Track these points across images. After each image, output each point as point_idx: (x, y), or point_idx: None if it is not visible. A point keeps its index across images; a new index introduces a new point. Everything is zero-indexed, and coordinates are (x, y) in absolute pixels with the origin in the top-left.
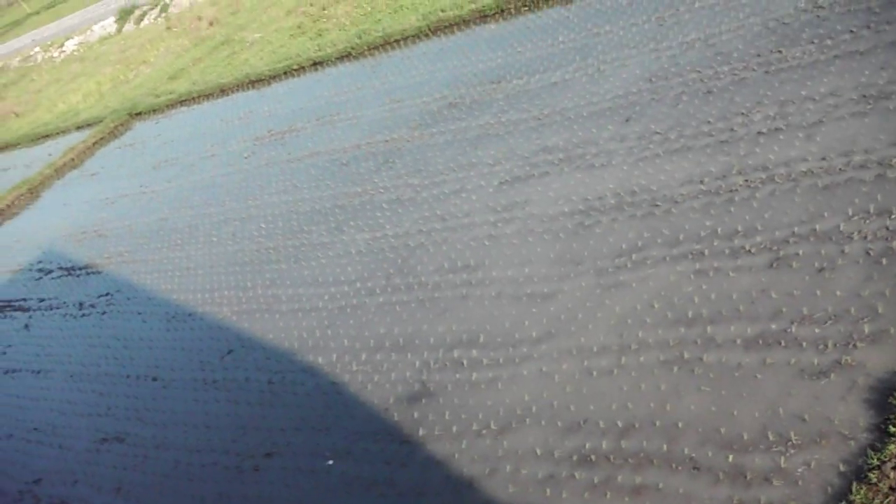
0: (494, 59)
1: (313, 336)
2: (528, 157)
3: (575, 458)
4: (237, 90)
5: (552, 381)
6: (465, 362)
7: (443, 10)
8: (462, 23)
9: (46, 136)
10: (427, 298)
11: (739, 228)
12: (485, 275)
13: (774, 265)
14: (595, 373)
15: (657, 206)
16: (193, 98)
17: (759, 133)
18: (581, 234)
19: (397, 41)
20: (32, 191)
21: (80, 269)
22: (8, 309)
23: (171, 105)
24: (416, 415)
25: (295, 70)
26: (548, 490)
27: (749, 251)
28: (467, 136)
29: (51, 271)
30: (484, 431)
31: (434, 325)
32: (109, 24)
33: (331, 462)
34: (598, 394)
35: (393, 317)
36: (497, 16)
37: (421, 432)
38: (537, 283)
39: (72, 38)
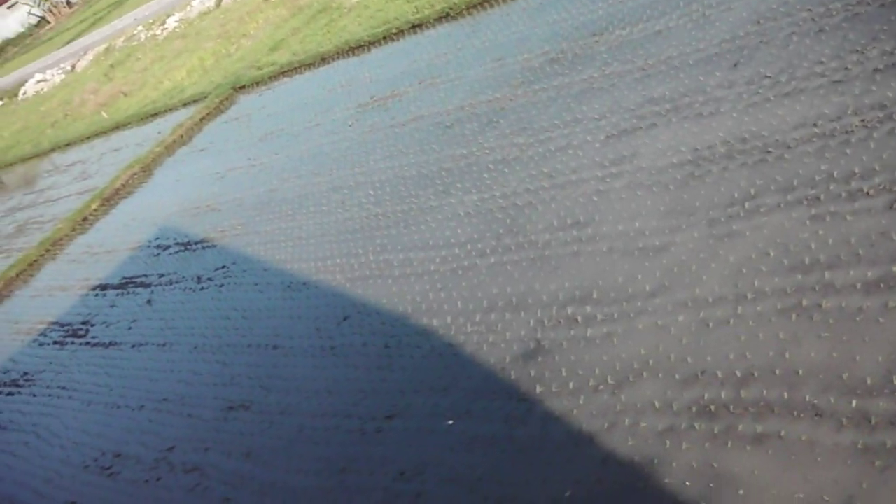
0: (595, 10)
1: (427, 299)
2: (633, 110)
3: (694, 409)
4: (337, 58)
5: (668, 333)
6: (579, 319)
7: None
8: None
9: (155, 114)
10: (538, 257)
11: (856, 170)
12: (595, 230)
13: (894, 206)
14: (711, 324)
15: (769, 152)
16: (295, 68)
17: (876, 70)
18: (691, 185)
19: None
20: (145, 169)
21: (195, 243)
22: (131, 285)
23: (274, 77)
24: (532, 372)
25: (394, 34)
26: (667, 442)
27: (867, 193)
28: (571, 92)
29: (168, 247)
30: (601, 386)
31: (546, 283)
32: None
33: (451, 422)
34: (714, 345)
35: (505, 277)
36: None
37: (538, 389)
38: (649, 237)
39: (172, 14)
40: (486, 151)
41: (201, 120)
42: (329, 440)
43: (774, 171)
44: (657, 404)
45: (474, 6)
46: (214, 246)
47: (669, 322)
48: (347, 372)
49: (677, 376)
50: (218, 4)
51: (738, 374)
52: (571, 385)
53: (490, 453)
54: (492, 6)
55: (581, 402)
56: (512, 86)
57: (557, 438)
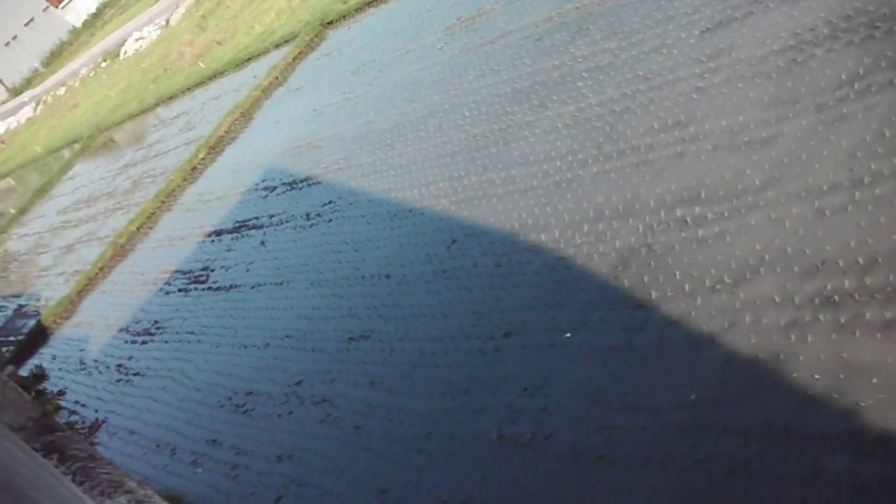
0: None
1: (533, 215)
2: (727, 0)
3: (817, 301)
4: None
5: (783, 226)
6: (688, 220)
7: None
8: None
9: (249, 59)
10: (641, 161)
11: None
12: (698, 129)
13: None
14: (828, 212)
15: (877, 27)
16: None
17: None
18: (795, 71)
19: None
20: (244, 114)
21: (301, 181)
22: (244, 229)
23: (360, 9)
24: (646, 278)
25: None
26: (792, 336)
27: None
28: None
29: (275, 188)
30: (718, 286)
31: (652, 187)
32: None
33: (568, 335)
34: (833, 233)
35: (609, 185)
36: None
37: (654, 295)
38: (754, 129)
39: None
40: (579, 60)
41: (294, 59)
42: (449, 363)
43: (884, 46)
44: (778, 299)
45: None
46: (319, 182)
47: (783, 214)
48: (461, 294)
49: (796, 269)
50: None
51: (861, 261)
52: (687, 287)
53: (610, 363)
54: None
55: (698, 303)
56: None
57: (677, 342)
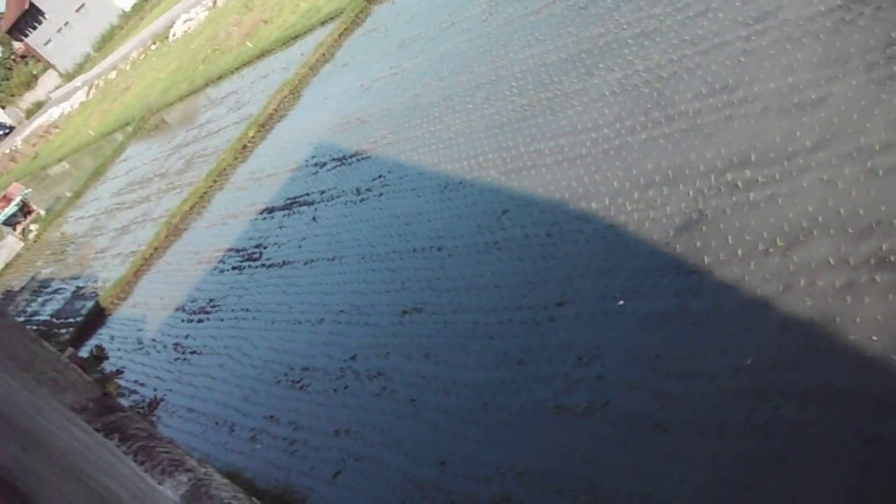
0: None
1: (582, 183)
2: None
3: (872, 261)
4: None
5: (835, 188)
6: (739, 184)
7: None
8: None
9: (296, 37)
10: (690, 127)
11: None
12: (746, 92)
13: None
14: (881, 172)
15: None
16: None
17: None
18: (843, 31)
19: None
20: (293, 91)
21: (350, 157)
22: (295, 205)
23: None
24: (698, 244)
25: None
26: (848, 298)
27: None
28: None
29: (325, 164)
30: (771, 250)
31: (701, 151)
32: None
33: (621, 302)
34: (888, 193)
35: (658, 151)
36: None
37: (706, 260)
38: (804, 91)
39: None
40: (624, 27)
41: (340, 36)
42: (503, 333)
43: None
44: (832, 261)
45: None
46: (368, 157)
47: (836, 176)
48: (513, 265)
49: (850, 230)
50: None
51: None
52: (740, 252)
53: (665, 330)
54: None
55: (752, 267)
56: None
57: (732, 307)
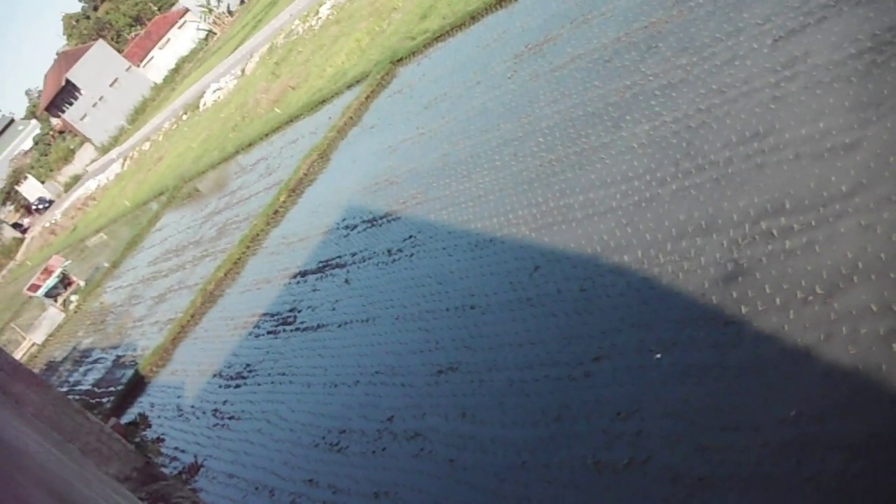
0: None
1: (614, 237)
2: (799, 7)
3: None
4: (486, 13)
5: (874, 233)
6: (775, 232)
7: None
8: None
9: (323, 102)
10: (721, 176)
11: None
12: (777, 139)
13: None
14: None
15: None
16: (447, 32)
17: None
18: (875, 73)
19: None
20: (322, 155)
21: (380, 218)
22: (327, 268)
23: (428, 44)
24: (735, 294)
25: None
26: (893, 345)
27: None
28: (729, 1)
29: (356, 226)
30: (810, 298)
31: (734, 200)
32: None
33: (658, 355)
34: None
35: (690, 201)
36: None
37: (744, 310)
38: (837, 135)
39: (324, 3)
40: (650, 79)
41: (366, 98)
42: (540, 390)
43: None
44: (875, 308)
45: None
46: (398, 217)
47: (874, 220)
48: (547, 321)
49: (893, 275)
50: None
51: None
52: (778, 301)
53: (704, 382)
54: None
55: (791, 316)
56: (666, 7)
57: (772, 357)
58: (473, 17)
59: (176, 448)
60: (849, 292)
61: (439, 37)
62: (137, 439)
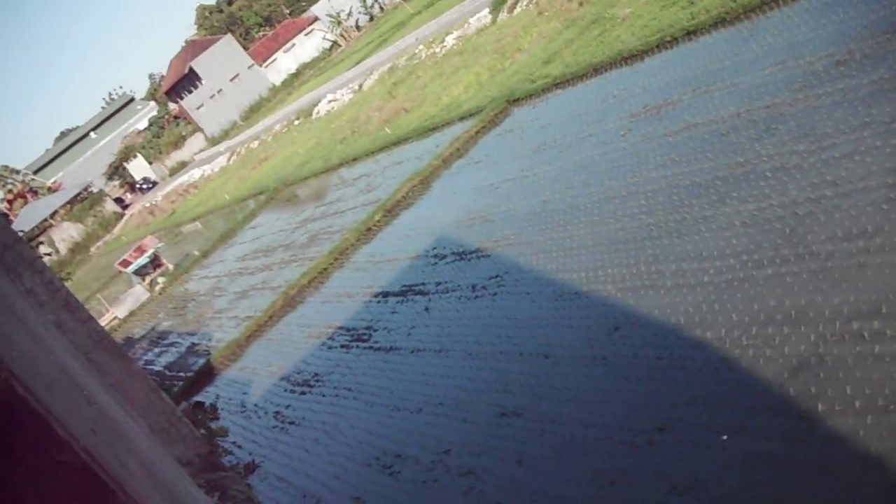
0: (890, 6)
1: (700, 311)
2: None
3: None
4: (610, 68)
5: None
6: (866, 334)
7: None
8: None
9: (433, 129)
10: (820, 269)
11: None
12: (885, 241)
13: None
14: None
15: None
16: (568, 80)
17: None
18: None
19: (776, 0)
20: (423, 181)
21: (470, 253)
22: (410, 293)
23: (547, 89)
24: (813, 389)
25: (668, 42)
26: None
27: None
28: (859, 95)
29: (445, 256)
30: (892, 407)
31: (829, 296)
32: (484, 16)
33: (725, 437)
34: None
35: (783, 289)
36: None
37: (820, 407)
38: None
39: (451, 32)
40: (764, 159)
41: (477, 133)
42: (599, 450)
43: None
44: None
45: (753, 10)
46: (488, 255)
47: None
48: (618, 383)
49: None
50: (494, 21)
51: None
52: (857, 404)
53: (768, 473)
54: (771, 8)
55: (868, 422)
56: (792, 90)
57: (842, 460)
58: (596, 70)
59: (234, 443)
60: None
61: (559, 84)
62: (203, 429)
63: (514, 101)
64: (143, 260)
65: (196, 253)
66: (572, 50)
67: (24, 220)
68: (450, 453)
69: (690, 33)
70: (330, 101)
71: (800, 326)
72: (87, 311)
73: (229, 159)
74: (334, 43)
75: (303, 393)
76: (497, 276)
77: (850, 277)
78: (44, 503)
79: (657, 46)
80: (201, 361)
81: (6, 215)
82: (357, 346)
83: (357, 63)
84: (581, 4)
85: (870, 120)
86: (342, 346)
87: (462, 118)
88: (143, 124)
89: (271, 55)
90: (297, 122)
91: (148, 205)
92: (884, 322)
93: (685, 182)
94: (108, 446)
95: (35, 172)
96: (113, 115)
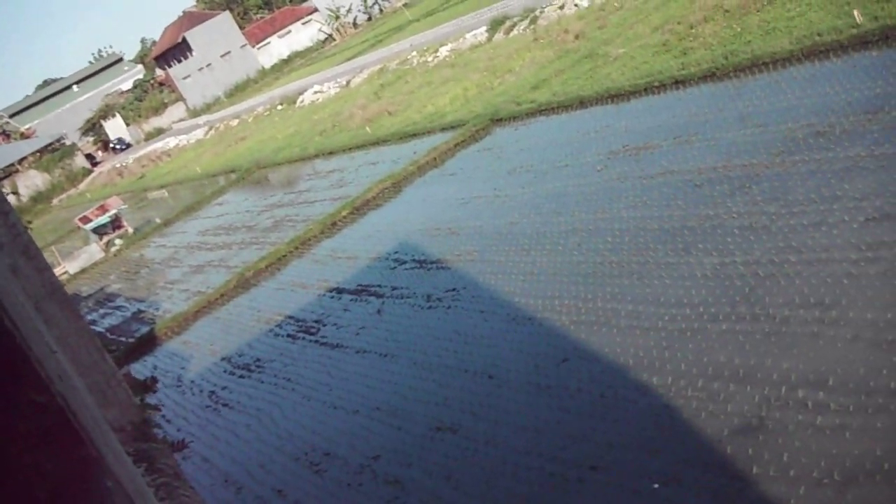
0: (873, 88)
1: (650, 355)
2: None
3: None
4: (596, 103)
5: None
6: (809, 404)
7: (819, 35)
8: (839, 48)
9: (413, 135)
10: (773, 332)
11: None
12: (840, 315)
13: None
14: None
15: None
16: (552, 108)
17: None
18: None
19: (766, 64)
20: (395, 185)
21: (430, 263)
22: (364, 293)
23: (531, 114)
24: (750, 451)
25: (656, 87)
26: None
27: None
28: (833, 168)
29: (404, 262)
30: (825, 480)
31: (779, 360)
32: (481, 34)
33: (656, 486)
34: None
35: (735, 346)
36: (881, 43)
37: (755, 470)
38: None
39: (446, 44)
40: (734, 216)
41: (456, 146)
42: (530, 479)
43: None
44: None
45: (742, 69)
46: (448, 268)
47: None
48: (558, 414)
49: None
50: (489, 39)
51: None
52: (792, 473)
53: None
54: (760, 71)
55: (801, 492)
56: (770, 153)
57: None
58: (582, 103)
59: (163, 416)
60: (866, 488)
61: (544, 110)
62: (139, 398)
63: (498, 120)
64: (104, 219)
65: (158, 220)
66: (561, 80)
67: None
68: (379, 459)
69: (679, 82)
70: (316, 92)
71: (746, 386)
72: (44, 260)
73: (207, 133)
74: (329, 36)
75: (241, 376)
76: (454, 290)
77: (802, 345)
78: (13, 445)
79: (645, 89)
80: (144, 329)
81: None
82: (304, 338)
83: (348, 59)
84: (577, 38)
85: (841, 194)
86: (289, 336)
87: (443, 129)
88: (128, 86)
89: (265, 38)
90: (279, 108)
91: (118, 165)
92: (829, 394)
93: (653, 226)
94: (71, 395)
95: (11, 116)
96: (99, 72)
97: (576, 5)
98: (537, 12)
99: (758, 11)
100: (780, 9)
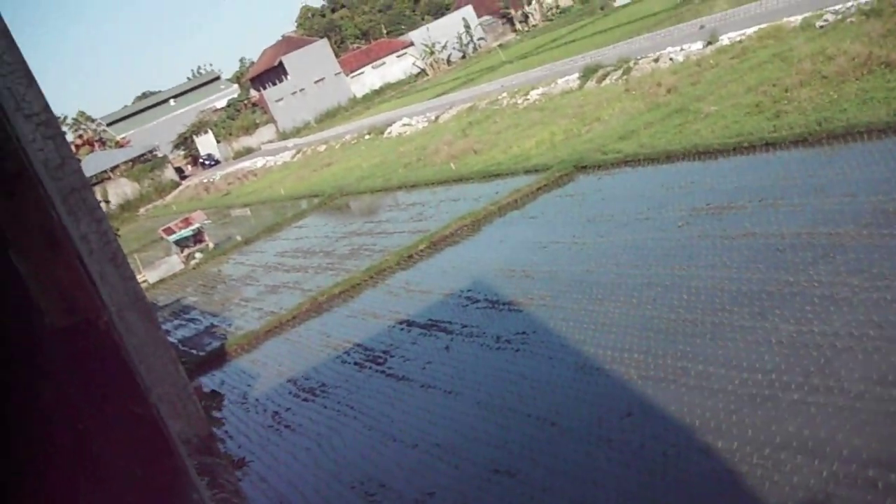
0: None
1: (717, 418)
2: None
3: None
4: (682, 159)
5: None
6: (880, 485)
7: None
8: None
9: (497, 176)
10: (847, 406)
11: None
12: None
13: None
14: None
15: None
16: (638, 160)
17: None
18: None
19: (860, 133)
20: (475, 224)
21: (503, 303)
22: (435, 328)
23: (616, 164)
24: None
25: (745, 147)
26: None
27: None
28: None
29: (477, 301)
30: None
31: (850, 436)
32: (573, 80)
33: None
34: None
35: (805, 417)
36: None
37: None
38: None
39: (536, 88)
40: (815, 284)
41: (538, 189)
42: None
43: None
44: None
45: (836, 137)
46: (520, 310)
47: None
48: (618, 469)
49: None
50: (581, 87)
51: None
52: None
53: None
54: (854, 140)
55: None
56: (858, 224)
57: None
58: (669, 157)
59: (226, 432)
60: None
61: (629, 161)
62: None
63: (582, 167)
64: (186, 232)
65: (239, 238)
66: (650, 132)
67: (87, 166)
68: (434, 496)
69: (769, 144)
70: (404, 125)
71: (814, 459)
72: (130, 269)
73: (294, 156)
74: (422, 71)
75: (306, 399)
76: (524, 333)
77: (876, 423)
78: (111, 456)
79: (734, 149)
80: (216, 344)
81: (80, 160)
82: (370, 367)
83: (439, 95)
84: (669, 91)
85: None
86: (356, 364)
87: (527, 172)
88: (222, 104)
89: (360, 68)
90: (367, 137)
91: (205, 181)
92: None
93: (731, 287)
94: (160, 407)
95: (109, 125)
96: (196, 88)
97: (671, 59)
98: (631, 63)
99: (857, 80)
100: (880, 79)
